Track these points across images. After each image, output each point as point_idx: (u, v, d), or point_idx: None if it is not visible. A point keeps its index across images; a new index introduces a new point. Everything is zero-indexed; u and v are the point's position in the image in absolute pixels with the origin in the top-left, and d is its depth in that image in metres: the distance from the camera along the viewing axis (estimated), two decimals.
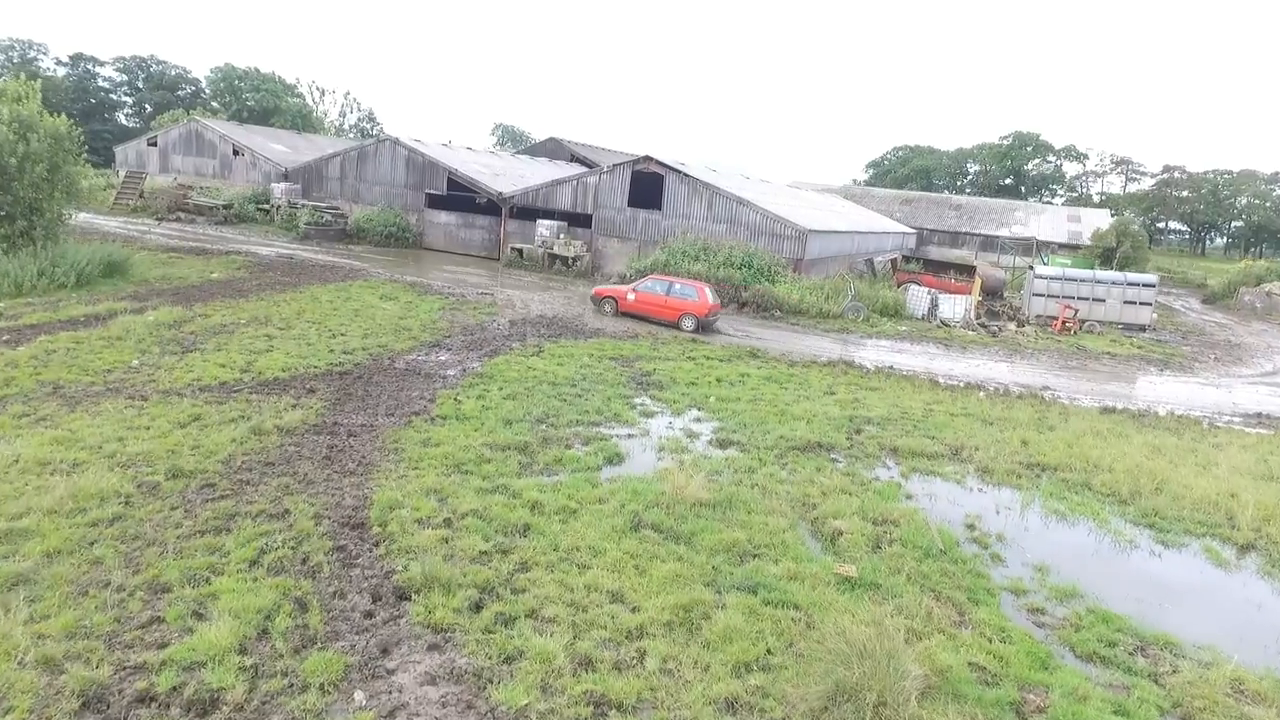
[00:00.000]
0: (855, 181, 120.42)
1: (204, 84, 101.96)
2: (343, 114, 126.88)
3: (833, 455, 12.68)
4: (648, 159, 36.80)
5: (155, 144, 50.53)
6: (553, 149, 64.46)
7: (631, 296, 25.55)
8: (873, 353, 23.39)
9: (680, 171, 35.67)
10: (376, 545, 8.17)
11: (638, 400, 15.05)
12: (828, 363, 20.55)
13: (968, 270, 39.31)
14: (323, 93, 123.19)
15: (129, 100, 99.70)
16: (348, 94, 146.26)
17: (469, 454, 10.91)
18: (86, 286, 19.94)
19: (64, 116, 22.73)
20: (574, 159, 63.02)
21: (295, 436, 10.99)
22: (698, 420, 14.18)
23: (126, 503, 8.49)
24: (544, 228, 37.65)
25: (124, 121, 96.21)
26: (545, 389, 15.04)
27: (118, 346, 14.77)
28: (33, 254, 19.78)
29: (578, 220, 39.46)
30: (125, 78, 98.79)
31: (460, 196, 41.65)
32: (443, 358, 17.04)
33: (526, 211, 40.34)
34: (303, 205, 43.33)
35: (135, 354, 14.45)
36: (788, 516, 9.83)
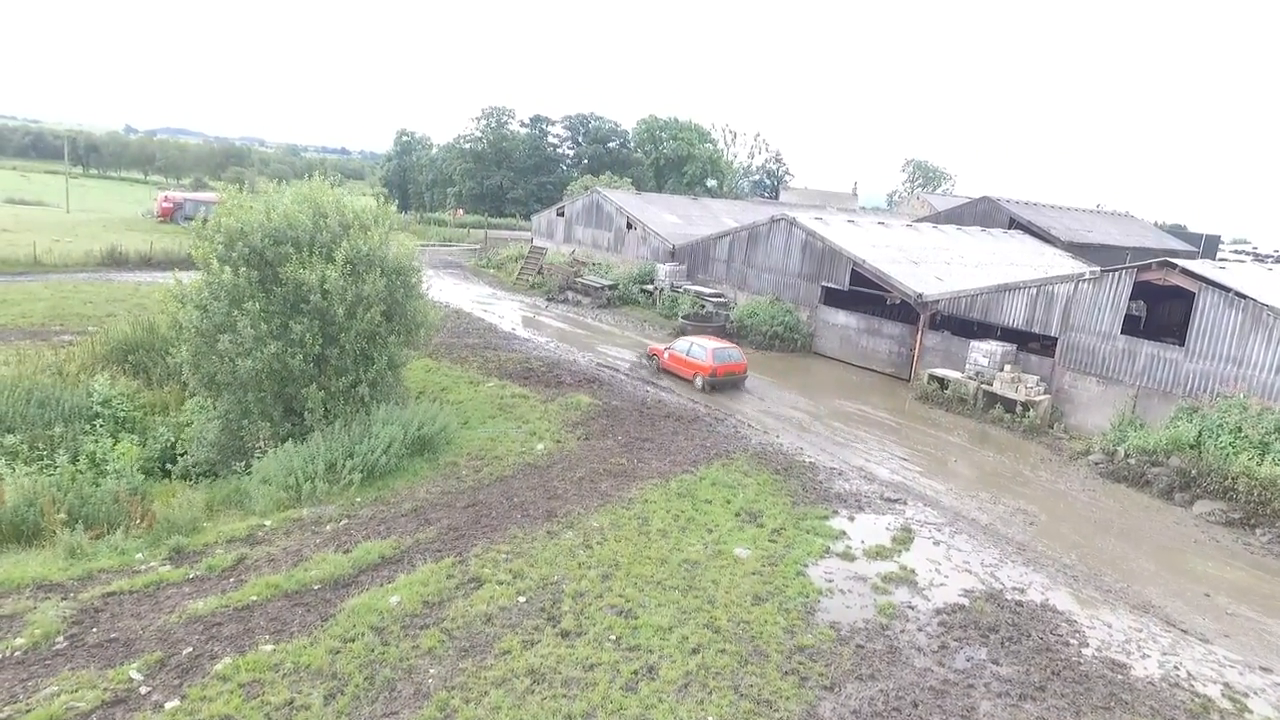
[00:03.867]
0: None
1: (630, 135, 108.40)
2: (751, 155, 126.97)
3: None
4: (1165, 265, 23.76)
5: (562, 214, 51.11)
6: (985, 211, 51.87)
7: (667, 355, 27.49)
8: None
9: (1227, 289, 22.08)
10: None
11: None
12: None
13: None
14: (734, 135, 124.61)
15: (570, 153, 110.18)
16: (757, 135, 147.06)
17: None
18: (379, 481, 15.85)
19: (411, 244, 19.66)
20: (1014, 224, 49.79)
21: None
22: None
23: None
24: (981, 353, 26.87)
25: (564, 172, 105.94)
26: None
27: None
28: (327, 437, 16.26)
29: (1029, 340, 27.87)
30: (569, 133, 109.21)
31: (865, 293, 32.83)
32: None
33: (954, 322, 29.87)
34: (684, 290, 38.68)
35: None
36: None
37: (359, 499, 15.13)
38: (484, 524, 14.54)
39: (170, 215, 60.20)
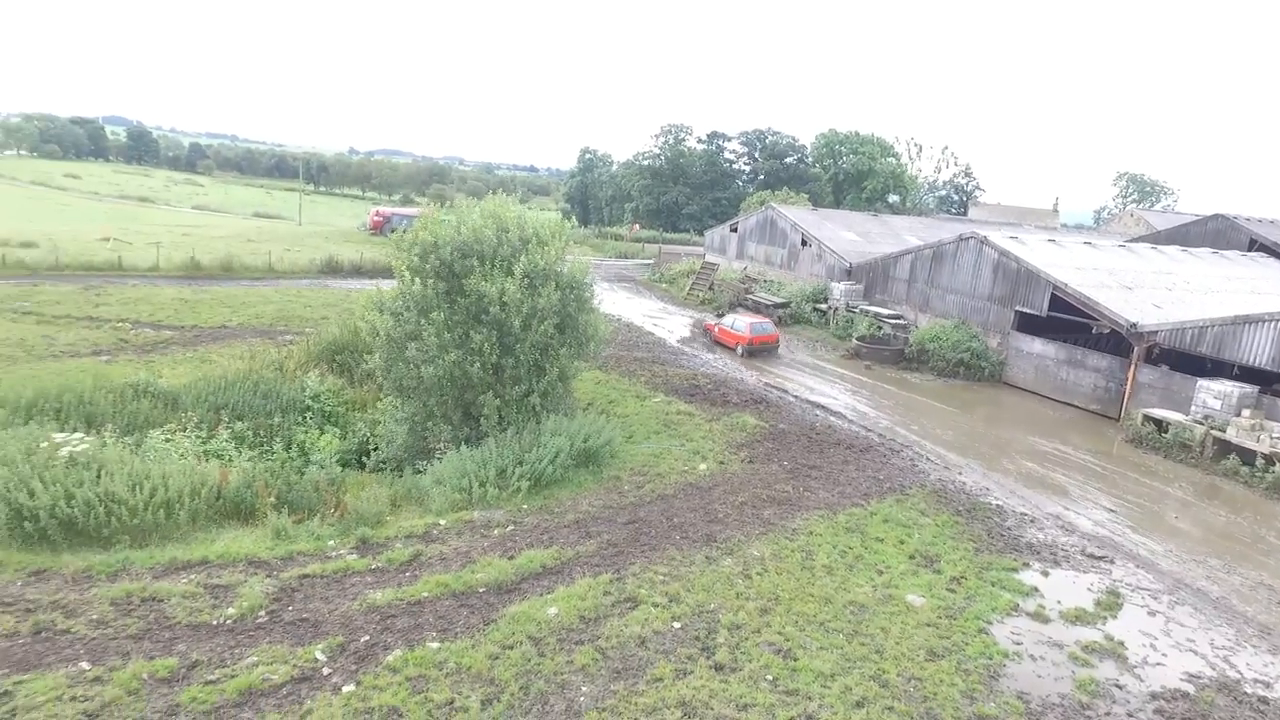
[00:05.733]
0: None
1: (808, 150, 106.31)
2: (938, 169, 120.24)
3: None
4: None
5: (736, 230, 50.82)
6: (1218, 230, 45.49)
7: (717, 330, 33.76)
8: None
9: None
10: None
11: None
12: None
13: None
14: (919, 149, 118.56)
15: (746, 169, 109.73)
16: (945, 148, 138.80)
17: None
18: (545, 490, 16.24)
19: (586, 259, 20.20)
20: (1256, 246, 43.29)
21: None
22: None
23: None
24: (1211, 394, 23.36)
25: (740, 188, 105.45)
26: None
27: None
28: (500, 443, 16.90)
29: (1275, 381, 23.89)
30: (745, 149, 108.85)
31: (1066, 320, 29.70)
32: None
33: (1176, 357, 26.27)
34: (861, 311, 37.03)
35: None
36: None
37: (525, 506, 15.58)
38: (643, 542, 14.44)
39: (380, 228, 66.49)
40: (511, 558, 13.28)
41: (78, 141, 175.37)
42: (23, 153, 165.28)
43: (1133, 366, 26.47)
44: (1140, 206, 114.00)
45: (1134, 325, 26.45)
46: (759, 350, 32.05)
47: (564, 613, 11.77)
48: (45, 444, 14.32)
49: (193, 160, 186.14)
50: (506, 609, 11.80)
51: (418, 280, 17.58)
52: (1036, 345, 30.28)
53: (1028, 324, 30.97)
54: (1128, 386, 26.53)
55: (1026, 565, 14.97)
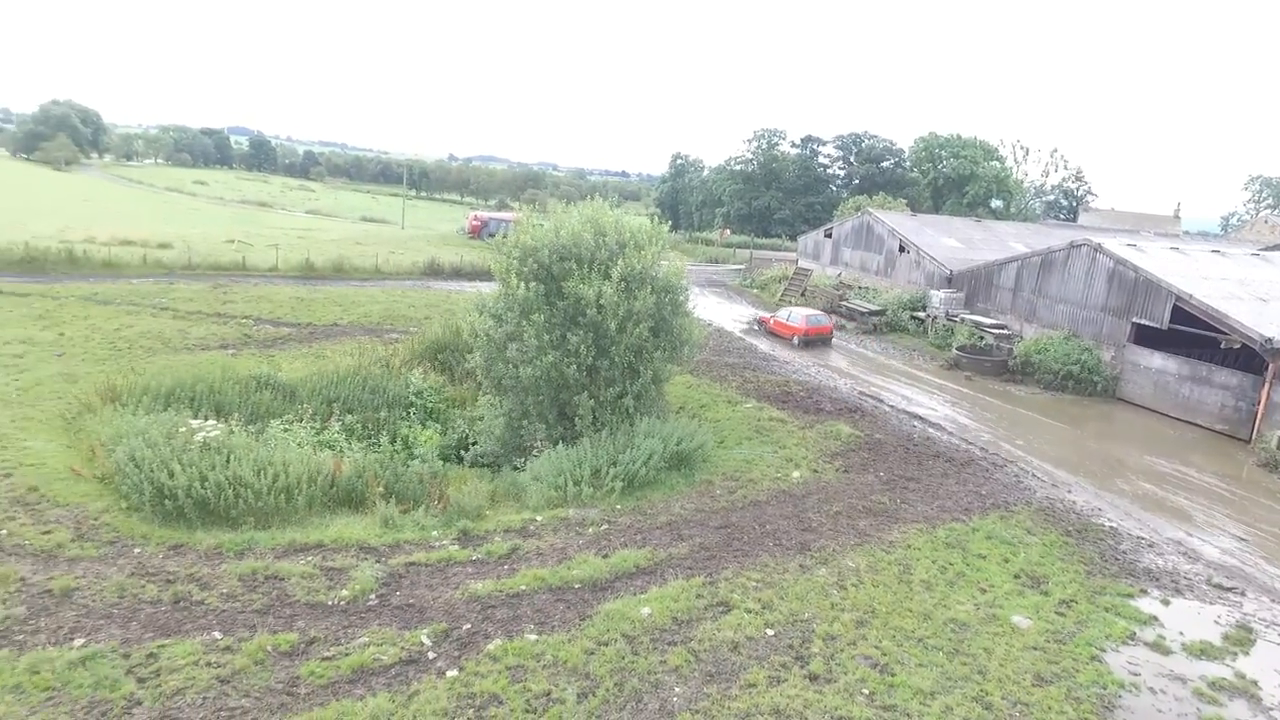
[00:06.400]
0: None
1: (906, 154, 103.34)
2: (1045, 173, 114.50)
3: None
4: None
5: (830, 235, 49.91)
6: None
7: (772, 322, 36.03)
8: None
9: None
10: None
11: None
12: None
13: None
14: (1026, 152, 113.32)
15: (841, 174, 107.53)
16: (1054, 151, 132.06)
17: None
18: (638, 491, 16.41)
19: (681, 263, 20.32)
20: None
21: None
22: None
23: None
24: None
25: (834, 193, 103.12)
26: None
27: None
28: (594, 443, 17.19)
29: None
30: (840, 153, 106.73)
31: (1190, 334, 27.76)
32: None
33: None
34: (961, 320, 35.71)
35: None
36: None
37: (619, 506, 15.81)
38: (735, 547, 14.41)
39: (478, 232, 68.71)
40: (606, 556, 13.51)
41: (206, 150, 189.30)
42: (159, 161, 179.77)
43: (1267, 385, 24.48)
44: (1275, 212, 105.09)
45: (1269, 340, 24.46)
46: (814, 341, 33.87)
47: (657, 613, 11.89)
48: (183, 429, 15.56)
49: (306, 167, 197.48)
50: (601, 606, 12.02)
51: (523, 284, 18.10)
52: (1156, 360, 28.42)
53: (1146, 337, 29.11)
54: (1261, 406, 24.54)
55: (1144, 592, 14.11)
